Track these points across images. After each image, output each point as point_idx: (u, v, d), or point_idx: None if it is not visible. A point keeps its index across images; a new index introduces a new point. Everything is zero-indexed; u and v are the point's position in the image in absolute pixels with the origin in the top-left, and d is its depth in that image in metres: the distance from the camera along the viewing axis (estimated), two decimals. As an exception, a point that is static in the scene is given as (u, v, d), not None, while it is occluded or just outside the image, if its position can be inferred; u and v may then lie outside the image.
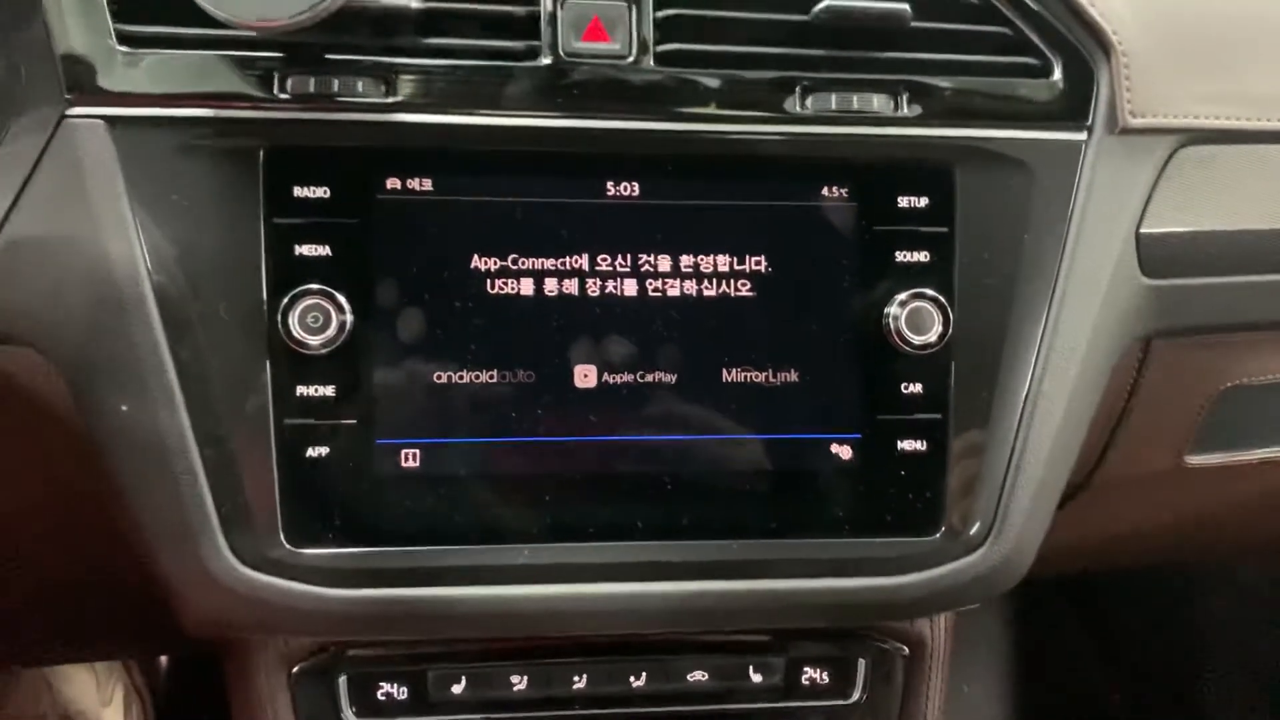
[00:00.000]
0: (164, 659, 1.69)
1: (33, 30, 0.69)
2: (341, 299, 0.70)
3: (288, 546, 0.71)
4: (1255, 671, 1.51)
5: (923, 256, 0.75)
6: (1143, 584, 1.59)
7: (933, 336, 0.75)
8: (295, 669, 0.80)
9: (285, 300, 0.70)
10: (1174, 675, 1.60)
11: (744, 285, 0.75)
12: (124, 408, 0.68)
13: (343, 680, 0.80)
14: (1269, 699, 1.50)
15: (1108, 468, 0.90)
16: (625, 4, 0.73)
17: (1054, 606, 1.69)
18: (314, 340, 0.70)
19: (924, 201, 0.76)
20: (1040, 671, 1.64)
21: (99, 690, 1.52)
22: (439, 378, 0.72)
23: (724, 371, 0.75)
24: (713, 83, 0.74)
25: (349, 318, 0.70)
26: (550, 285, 0.74)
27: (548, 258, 0.73)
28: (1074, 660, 1.66)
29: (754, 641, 0.83)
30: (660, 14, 0.74)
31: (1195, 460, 0.94)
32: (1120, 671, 1.65)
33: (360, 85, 0.70)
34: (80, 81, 0.69)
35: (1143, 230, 0.79)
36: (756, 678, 0.83)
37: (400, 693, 0.80)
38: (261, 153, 0.70)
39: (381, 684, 0.80)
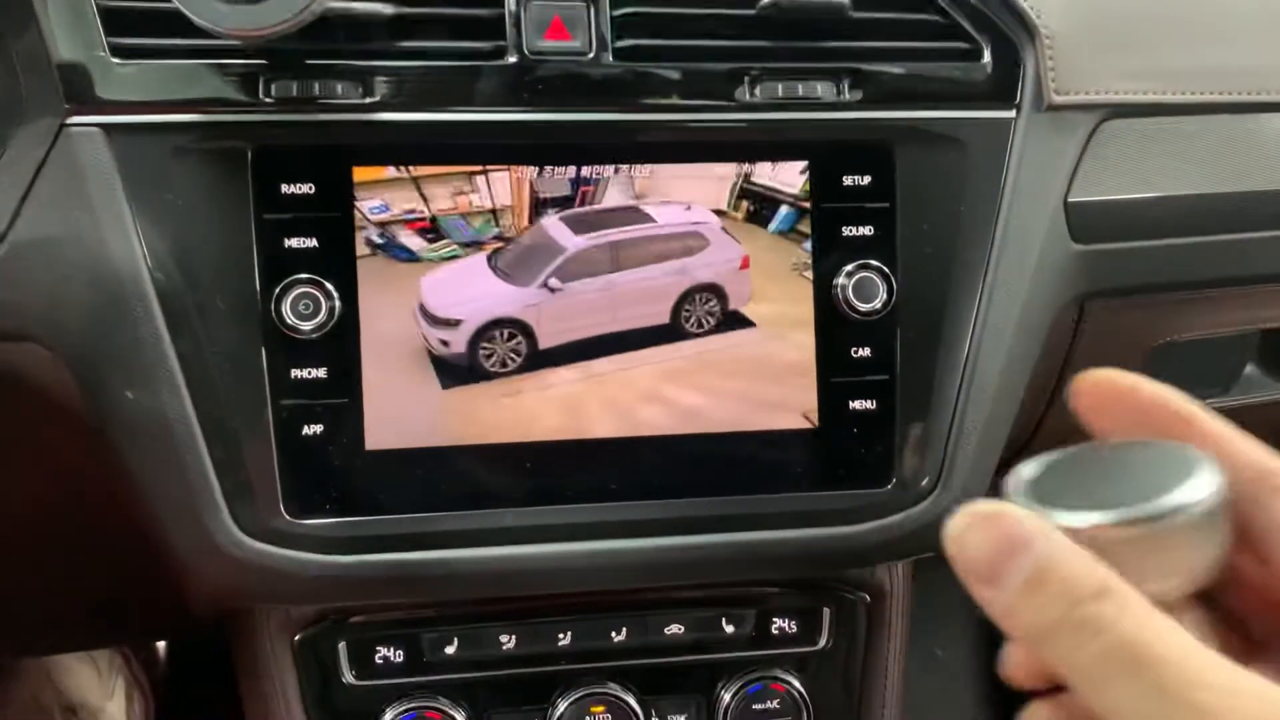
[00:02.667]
0: (163, 654, 1.72)
1: (30, 44, 0.72)
2: (330, 286, 0.74)
3: (288, 518, 0.74)
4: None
5: (867, 230, 0.79)
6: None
7: (878, 304, 0.79)
8: (297, 638, 0.84)
9: (277, 290, 0.73)
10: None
11: None
12: (130, 395, 0.71)
13: (342, 646, 0.84)
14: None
15: (1051, 422, 0.94)
16: (584, 4, 0.77)
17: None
18: (305, 326, 0.73)
19: (867, 179, 0.79)
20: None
21: (100, 683, 1.52)
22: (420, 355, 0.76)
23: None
24: (668, 75, 0.77)
25: (337, 303, 0.74)
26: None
27: None
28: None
29: (726, 595, 0.87)
30: (617, 12, 0.77)
31: (1133, 415, 0.99)
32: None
33: (339, 87, 0.73)
34: (77, 92, 0.71)
35: (1070, 199, 0.82)
36: (729, 628, 0.87)
37: (396, 655, 0.84)
38: (249, 153, 0.73)
39: (379, 648, 0.83)
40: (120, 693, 1.56)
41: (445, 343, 0.75)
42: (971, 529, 0.39)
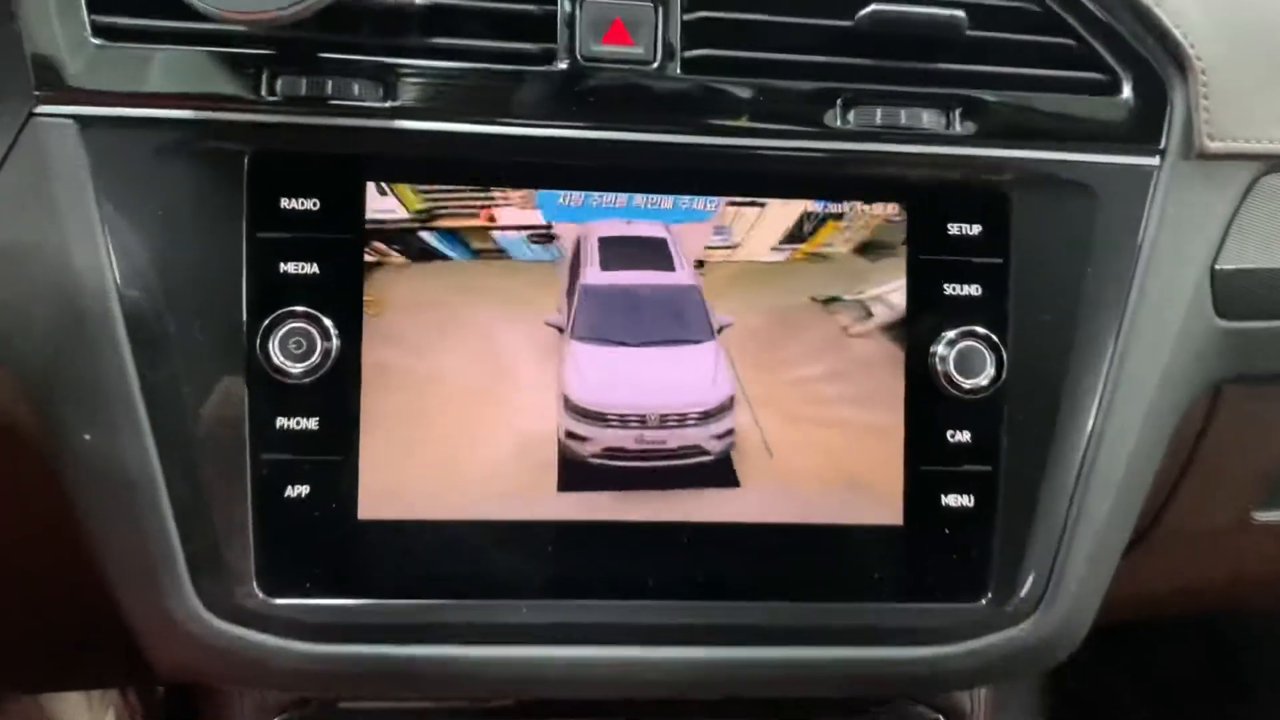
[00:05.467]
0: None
1: (1, 21, 0.65)
2: (327, 323, 0.66)
3: (261, 595, 0.67)
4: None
5: (974, 290, 0.71)
6: (1193, 631, 1.53)
7: (984, 379, 0.70)
8: None
9: (266, 322, 0.66)
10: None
11: None
12: (86, 435, 0.64)
13: None
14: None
15: (1167, 522, 0.86)
16: (651, 4, 0.69)
17: (1098, 656, 1.63)
18: (295, 368, 0.66)
19: (976, 229, 0.71)
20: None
21: (91, 711, 1.50)
22: (433, 411, 0.67)
23: None
24: (745, 93, 0.69)
25: (335, 343, 0.66)
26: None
27: None
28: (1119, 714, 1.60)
29: (773, 708, 0.78)
30: (689, 16, 0.69)
31: (1264, 517, 0.89)
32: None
33: (356, 88, 0.66)
34: (50, 77, 0.65)
35: (1219, 266, 0.73)
36: None
37: None
38: (246, 159, 0.66)
39: None
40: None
41: (727, 432, 0.68)
42: None
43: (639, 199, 0.68)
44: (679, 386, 0.68)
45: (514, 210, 0.68)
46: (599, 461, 0.67)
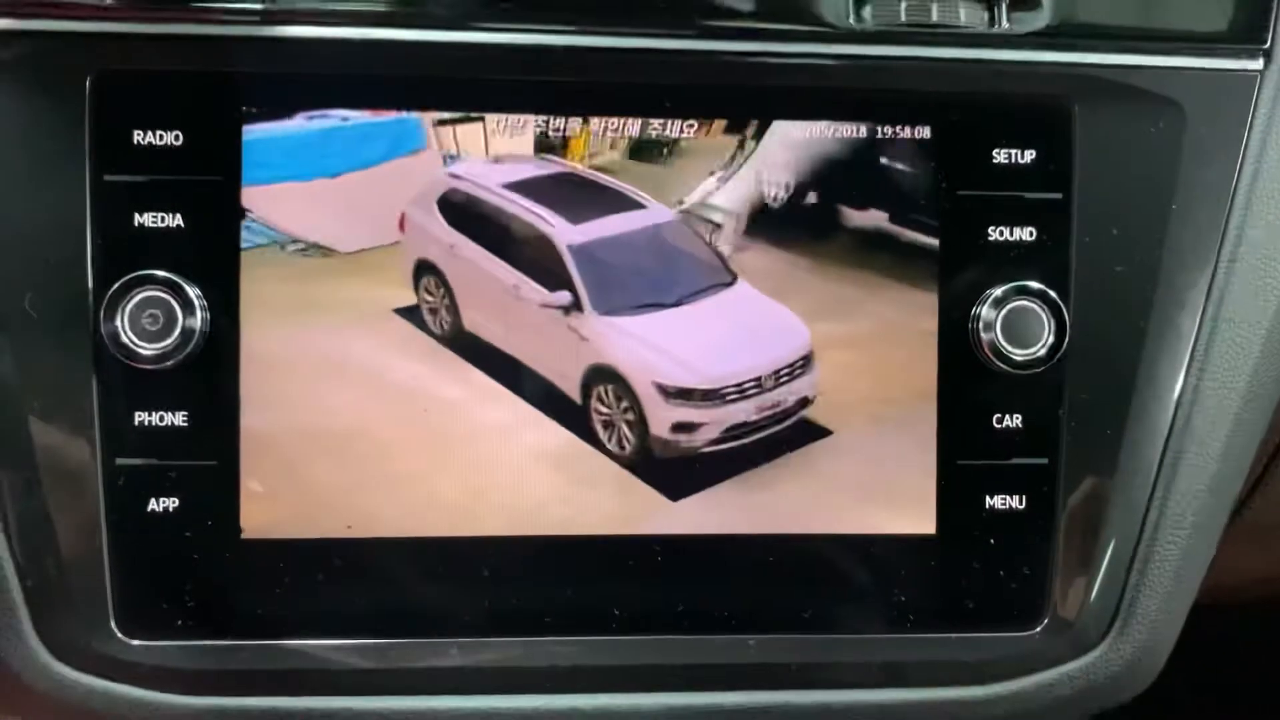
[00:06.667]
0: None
1: None
2: (192, 292, 0.55)
3: (121, 637, 0.58)
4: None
5: (1027, 234, 0.62)
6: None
7: (1040, 349, 0.61)
8: None
9: (114, 289, 0.56)
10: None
11: None
12: None
13: None
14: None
15: (1249, 515, 0.76)
16: None
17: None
18: (149, 349, 0.56)
19: (1029, 155, 0.62)
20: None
21: None
22: (331, 400, 0.57)
23: None
24: None
25: (199, 319, 0.56)
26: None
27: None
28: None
29: None
30: None
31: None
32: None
33: None
34: None
35: None
36: None
37: None
38: (88, 81, 0.57)
39: None
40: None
41: (807, 399, 0.61)
42: None
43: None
44: (768, 336, 0.60)
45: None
46: (712, 449, 0.58)
